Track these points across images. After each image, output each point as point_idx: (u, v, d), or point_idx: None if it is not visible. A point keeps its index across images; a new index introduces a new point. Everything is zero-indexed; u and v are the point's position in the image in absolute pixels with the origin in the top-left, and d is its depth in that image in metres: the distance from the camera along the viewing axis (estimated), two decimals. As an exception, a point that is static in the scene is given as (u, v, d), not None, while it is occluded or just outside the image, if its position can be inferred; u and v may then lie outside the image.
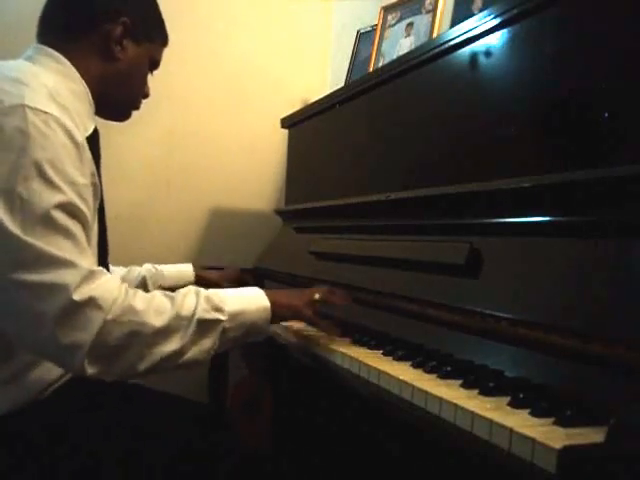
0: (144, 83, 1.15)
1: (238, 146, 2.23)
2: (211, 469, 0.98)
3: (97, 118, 1.10)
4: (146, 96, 1.18)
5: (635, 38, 0.83)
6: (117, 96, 1.10)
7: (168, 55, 1.19)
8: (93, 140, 1.02)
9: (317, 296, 1.10)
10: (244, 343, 1.03)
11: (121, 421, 1.00)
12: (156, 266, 1.57)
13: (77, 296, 0.81)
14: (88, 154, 0.94)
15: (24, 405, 0.93)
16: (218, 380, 1.82)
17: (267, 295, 1.03)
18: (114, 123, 1.16)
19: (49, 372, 0.97)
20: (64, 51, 1.01)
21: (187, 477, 0.96)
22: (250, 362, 1.92)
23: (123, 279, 1.46)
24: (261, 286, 1.07)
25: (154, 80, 1.18)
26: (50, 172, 0.84)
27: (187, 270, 1.63)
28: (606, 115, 0.85)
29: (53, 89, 0.92)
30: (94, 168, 0.98)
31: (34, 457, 0.89)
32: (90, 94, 1.04)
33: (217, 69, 2.19)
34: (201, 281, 1.64)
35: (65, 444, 0.92)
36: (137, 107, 1.17)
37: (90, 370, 0.83)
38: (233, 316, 0.96)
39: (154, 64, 1.16)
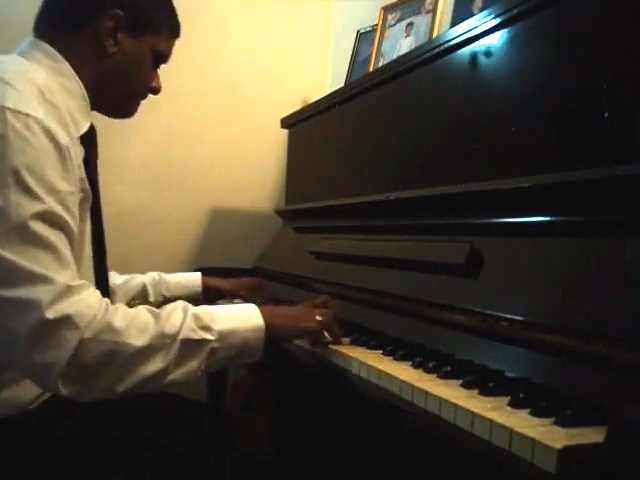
0: (146, 77, 1.08)
1: (238, 146, 2.23)
2: (210, 469, 0.98)
3: (99, 116, 1.08)
4: (156, 91, 1.11)
5: (634, 38, 0.83)
6: (116, 92, 1.05)
7: (168, 55, 1.17)
8: (88, 138, 1.00)
9: (319, 318, 1.03)
10: (237, 364, 0.97)
11: (119, 421, 0.99)
12: (161, 274, 1.47)
13: (50, 314, 0.77)
14: (75, 158, 0.90)
15: (21, 409, 0.92)
16: (217, 380, 1.82)
17: (263, 314, 0.96)
18: (114, 121, 1.14)
19: None
20: (58, 46, 0.97)
21: (186, 477, 0.96)
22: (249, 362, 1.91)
23: (121, 287, 1.40)
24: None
25: (154, 80, 1.16)
26: (29, 179, 0.80)
27: (194, 279, 1.51)
28: (606, 115, 0.85)
29: (44, 85, 0.89)
30: (83, 173, 0.95)
31: (31, 460, 0.88)
32: (85, 91, 0.99)
33: (217, 69, 2.19)
34: (210, 291, 1.52)
35: (62, 445, 0.91)
36: (140, 101, 1.11)
37: (65, 390, 0.79)
38: (223, 335, 0.90)
39: (160, 57, 1.08)
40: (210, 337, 0.89)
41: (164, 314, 0.87)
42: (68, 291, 0.79)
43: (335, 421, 1.21)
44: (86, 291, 0.82)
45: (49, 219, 0.81)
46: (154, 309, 0.89)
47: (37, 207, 0.80)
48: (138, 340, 0.83)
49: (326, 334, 1.06)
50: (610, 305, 0.73)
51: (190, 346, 0.87)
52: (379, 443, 0.96)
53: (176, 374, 0.86)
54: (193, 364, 0.87)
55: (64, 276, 0.80)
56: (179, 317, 0.88)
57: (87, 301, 0.81)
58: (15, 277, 0.77)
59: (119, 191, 2.02)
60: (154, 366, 0.84)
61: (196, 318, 0.89)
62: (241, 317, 0.94)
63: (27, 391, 0.93)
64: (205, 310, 0.92)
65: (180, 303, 0.91)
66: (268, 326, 0.95)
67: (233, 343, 0.91)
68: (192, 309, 0.91)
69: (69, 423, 0.94)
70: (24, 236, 0.78)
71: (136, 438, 0.96)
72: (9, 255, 0.77)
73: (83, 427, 0.95)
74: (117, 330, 0.81)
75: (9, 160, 0.79)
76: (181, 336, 0.86)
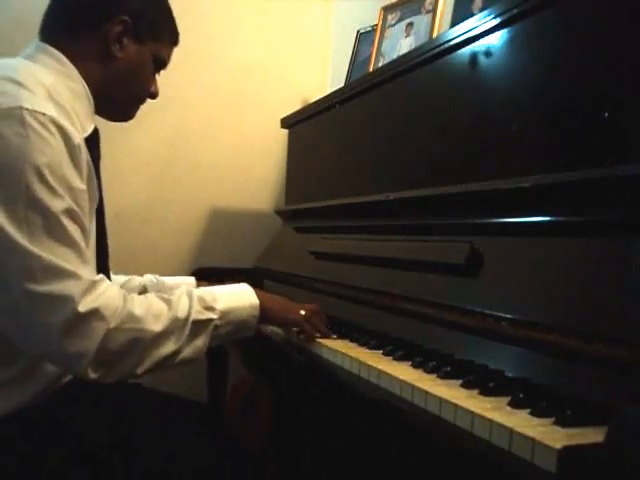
0: (148, 83, 1.11)
1: (238, 146, 2.23)
2: (210, 470, 0.98)
3: (99, 118, 1.09)
4: (154, 96, 1.14)
5: (635, 38, 0.83)
6: (118, 96, 1.08)
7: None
8: (92, 141, 1.01)
9: (303, 312, 1.14)
10: (234, 338, 1.07)
11: (120, 421, 0.99)
12: (158, 277, 1.50)
13: (82, 308, 0.83)
14: (84, 156, 0.93)
15: (23, 407, 0.92)
16: (217, 380, 1.82)
17: (257, 294, 1.08)
18: (116, 122, 1.15)
19: (48, 375, 0.97)
20: (64, 49, 0.99)
21: (186, 477, 0.96)
22: (249, 363, 1.92)
23: (122, 287, 1.42)
24: (260, 287, 1.07)
25: (154, 80, 1.17)
26: (50, 178, 0.83)
27: (189, 283, 1.53)
28: (606, 115, 0.85)
29: (51, 87, 0.91)
30: (93, 172, 0.97)
31: (33, 457, 0.89)
32: (90, 94, 1.02)
33: (217, 69, 2.19)
34: None
35: (64, 444, 0.91)
36: (139, 105, 1.14)
37: (93, 375, 0.87)
38: (224, 314, 1.01)
39: (160, 62, 1.11)
40: (214, 316, 0.99)
41: (174, 300, 0.96)
42: (93, 285, 0.86)
43: (335, 421, 1.21)
44: (104, 284, 0.88)
45: (71, 216, 0.86)
46: (164, 296, 0.97)
47: (61, 205, 0.84)
48: (156, 326, 0.91)
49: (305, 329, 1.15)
50: (610, 305, 0.73)
51: (198, 326, 0.97)
52: (379, 443, 0.96)
53: (186, 353, 0.96)
54: (200, 341, 0.98)
55: (87, 271, 0.87)
56: (187, 301, 0.97)
57: (109, 293, 0.88)
58: (48, 273, 0.82)
59: (120, 191, 2.01)
60: (169, 347, 0.93)
61: (201, 300, 0.99)
62: (239, 296, 1.06)
63: (33, 385, 0.94)
64: (207, 291, 1.03)
65: (184, 288, 1.01)
66: (261, 306, 1.07)
67: (232, 320, 1.03)
68: (195, 292, 1.00)
69: (69, 423, 0.95)
70: (51, 233, 0.83)
71: (136, 438, 0.96)
72: (40, 252, 0.82)
73: (83, 427, 0.95)
74: (138, 318, 0.90)
75: (31, 160, 0.82)
76: (191, 318, 0.96)
